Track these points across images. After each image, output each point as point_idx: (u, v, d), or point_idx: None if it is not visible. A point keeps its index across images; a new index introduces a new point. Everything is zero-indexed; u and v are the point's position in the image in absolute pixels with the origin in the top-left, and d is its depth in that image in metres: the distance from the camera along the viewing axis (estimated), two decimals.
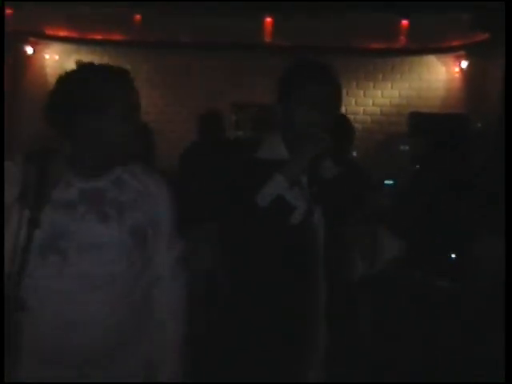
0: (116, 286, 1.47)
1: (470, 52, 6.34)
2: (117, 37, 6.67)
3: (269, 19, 6.23)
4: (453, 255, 2.82)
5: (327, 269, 1.59)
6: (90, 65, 1.50)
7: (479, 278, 2.51)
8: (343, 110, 5.14)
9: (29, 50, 6.88)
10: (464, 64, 6.51)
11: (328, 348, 1.55)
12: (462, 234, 2.68)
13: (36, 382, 1.41)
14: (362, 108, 6.87)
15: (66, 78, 1.44)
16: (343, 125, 3.08)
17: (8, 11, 5.45)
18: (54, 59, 6.99)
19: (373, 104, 6.87)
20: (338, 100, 1.70)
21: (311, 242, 1.63)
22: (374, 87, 6.95)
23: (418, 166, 3.87)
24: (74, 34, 6.75)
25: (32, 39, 6.81)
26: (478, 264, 2.51)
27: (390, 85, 6.89)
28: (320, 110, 1.63)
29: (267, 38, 6.21)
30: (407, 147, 5.10)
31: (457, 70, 6.64)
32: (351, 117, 4.82)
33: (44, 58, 6.97)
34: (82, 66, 1.47)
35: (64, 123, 1.42)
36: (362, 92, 6.98)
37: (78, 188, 1.47)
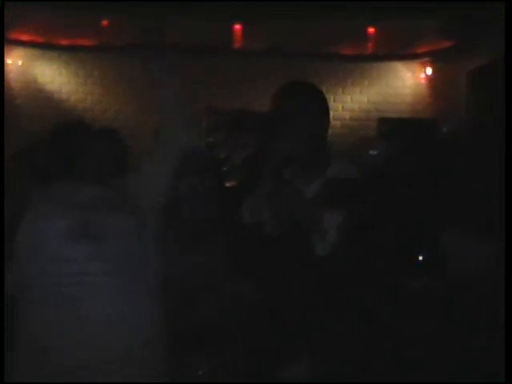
0: None
1: (434, 59, 6.55)
2: (84, 42, 6.65)
3: (238, 26, 6.35)
4: (420, 257, 2.93)
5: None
6: None
7: (449, 276, 2.60)
8: None
9: None
10: (429, 70, 6.74)
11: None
12: (428, 234, 2.79)
13: (36, 382, 1.46)
14: (332, 113, 7.03)
15: None
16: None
17: None
18: (17, 64, 6.93)
19: (342, 109, 7.05)
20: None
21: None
22: (343, 92, 7.14)
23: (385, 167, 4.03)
24: (38, 39, 6.70)
25: None
26: (446, 263, 2.61)
27: (358, 90, 7.07)
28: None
29: (237, 44, 6.32)
30: (376, 151, 5.26)
31: (422, 76, 6.85)
32: None
33: (6, 63, 6.90)
34: None
35: None
36: (331, 97, 7.14)
37: None
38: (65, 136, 1.83)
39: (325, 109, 1.94)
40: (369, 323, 1.71)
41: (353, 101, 7.08)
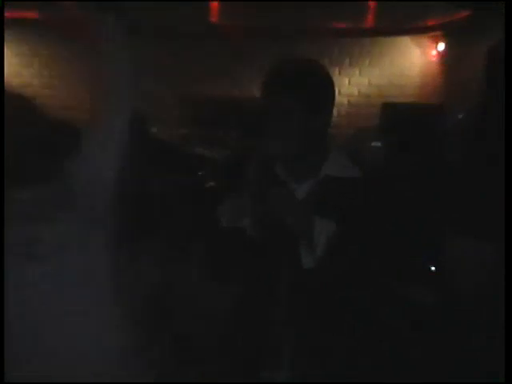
0: None
1: (448, 32, 6.60)
2: (29, 15, 6.69)
3: (215, 3, 6.44)
4: (432, 268, 3.03)
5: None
6: None
7: (461, 286, 2.72)
8: None
9: None
10: (441, 46, 6.84)
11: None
12: (440, 243, 2.90)
13: (36, 382, 1.57)
14: None
15: None
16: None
17: None
18: None
19: (339, 94, 7.17)
20: None
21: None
22: (339, 74, 7.24)
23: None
24: None
25: None
26: (456, 270, 2.73)
27: (358, 71, 7.19)
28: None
29: (215, 20, 6.40)
30: (379, 143, 5.33)
31: (434, 53, 6.93)
32: None
33: None
34: None
35: None
36: None
37: None
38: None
39: (329, 96, 1.84)
40: (366, 323, 1.82)
41: (351, 84, 7.21)
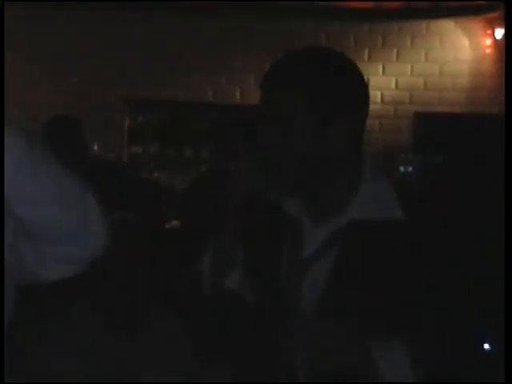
0: None
1: (509, 14, 6.80)
2: None
3: None
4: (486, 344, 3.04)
5: None
6: None
7: None
8: None
9: None
10: (499, 33, 6.87)
11: None
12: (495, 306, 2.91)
13: (36, 382, 1.80)
14: None
15: None
16: None
17: None
18: None
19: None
20: None
21: None
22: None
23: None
24: None
25: None
26: None
27: (381, 68, 7.22)
28: None
29: None
30: (410, 168, 5.37)
31: (488, 42, 7.00)
32: None
33: None
34: None
35: None
36: None
37: None
38: None
39: (360, 100, 1.81)
40: None
41: (374, 86, 7.08)
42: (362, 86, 1.80)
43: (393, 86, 7.24)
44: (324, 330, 1.70)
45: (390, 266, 1.74)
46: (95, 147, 5.95)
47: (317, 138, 1.77)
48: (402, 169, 5.37)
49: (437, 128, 6.70)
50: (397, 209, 1.76)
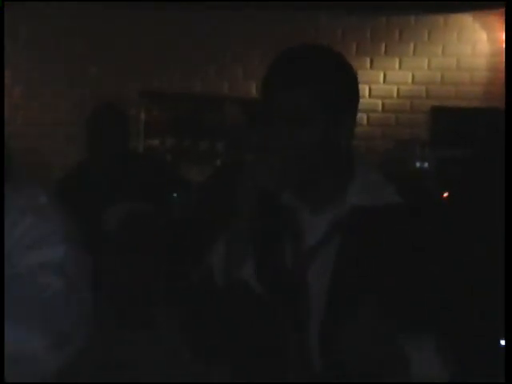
0: None
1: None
2: None
3: None
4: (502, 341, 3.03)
5: None
6: None
7: None
8: None
9: None
10: None
11: None
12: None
13: (36, 382, 1.84)
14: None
15: None
16: None
17: None
18: None
19: (370, 94, 6.91)
20: None
21: None
22: (371, 67, 7.11)
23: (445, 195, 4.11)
24: None
25: None
26: None
27: (397, 62, 7.18)
28: None
29: None
30: (426, 163, 5.34)
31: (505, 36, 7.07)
32: None
33: None
34: None
35: None
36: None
37: None
38: None
39: (350, 97, 1.89)
40: None
41: (388, 80, 7.18)
42: (357, 83, 1.90)
43: (409, 80, 7.19)
44: (341, 321, 1.73)
45: (395, 252, 1.78)
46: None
47: (327, 137, 1.83)
48: (415, 163, 5.37)
49: (453, 122, 6.71)
50: (396, 195, 1.83)
